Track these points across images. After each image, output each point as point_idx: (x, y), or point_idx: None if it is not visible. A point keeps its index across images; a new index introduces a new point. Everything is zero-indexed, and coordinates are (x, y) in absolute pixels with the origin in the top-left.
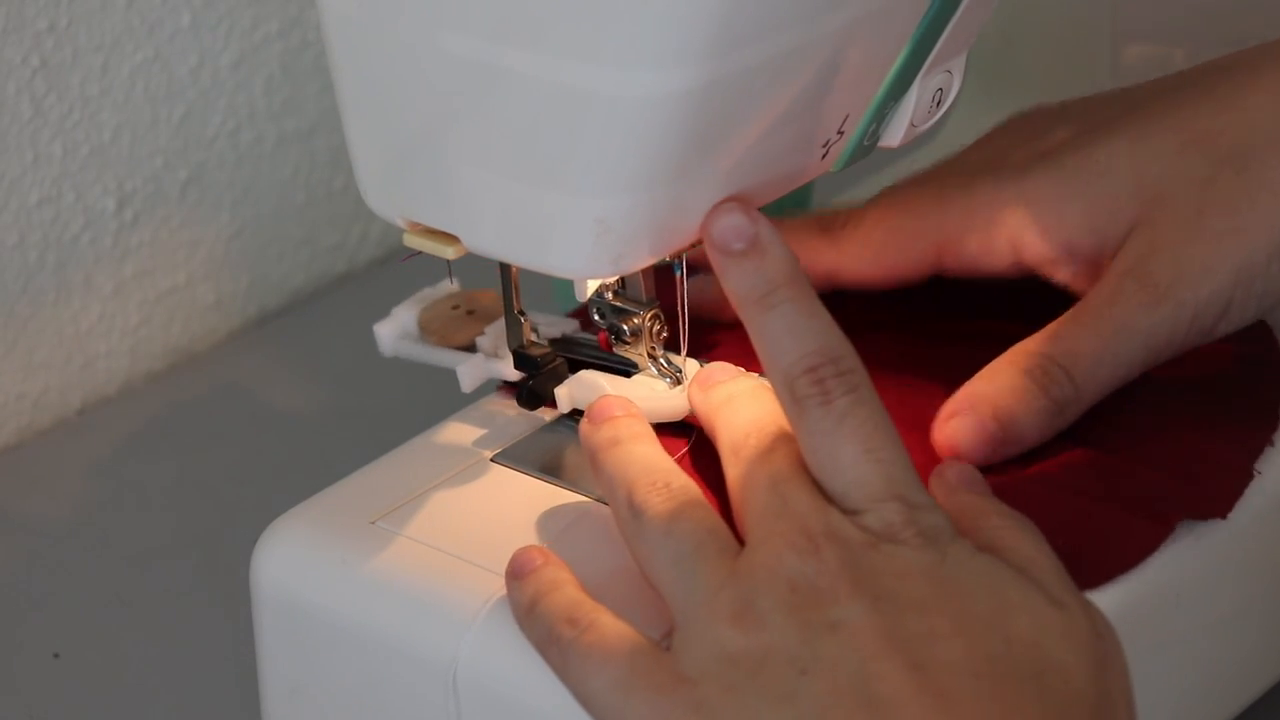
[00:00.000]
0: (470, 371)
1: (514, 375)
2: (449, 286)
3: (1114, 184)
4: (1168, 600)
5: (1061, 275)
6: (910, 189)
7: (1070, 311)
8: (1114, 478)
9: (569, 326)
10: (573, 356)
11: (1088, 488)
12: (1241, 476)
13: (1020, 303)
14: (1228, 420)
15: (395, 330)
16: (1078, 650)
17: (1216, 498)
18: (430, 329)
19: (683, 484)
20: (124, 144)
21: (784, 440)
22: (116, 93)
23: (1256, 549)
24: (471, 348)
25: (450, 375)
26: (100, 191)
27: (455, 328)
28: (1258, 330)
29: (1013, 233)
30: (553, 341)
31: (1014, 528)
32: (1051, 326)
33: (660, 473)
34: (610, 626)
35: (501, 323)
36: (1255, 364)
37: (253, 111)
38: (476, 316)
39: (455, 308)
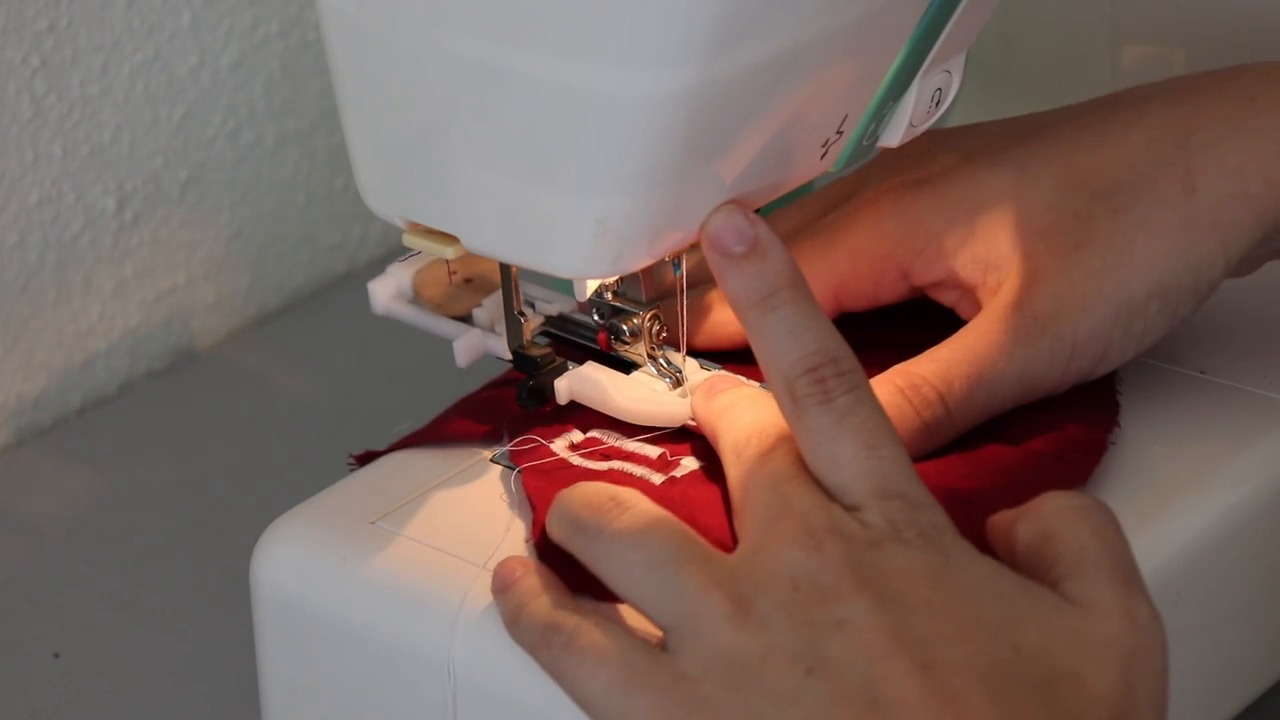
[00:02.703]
0: (466, 346)
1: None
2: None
3: (996, 216)
4: (1168, 600)
5: (947, 300)
6: (800, 242)
7: (951, 337)
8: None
9: (567, 305)
10: (569, 336)
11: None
12: (1098, 449)
13: None
14: (1076, 400)
15: (389, 289)
16: (1095, 656)
17: (1079, 468)
18: (426, 294)
19: (633, 497)
20: (124, 144)
21: (785, 442)
22: (116, 93)
23: (1256, 549)
24: (468, 318)
25: (449, 376)
26: (100, 191)
27: (452, 296)
28: None
29: (901, 262)
30: (549, 319)
31: (1072, 510)
32: (932, 350)
33: (602, 492)
34: (599, 628)
35: (499, 294)
36: None
37: (253, 111)
38: (474, 285)
39: (453, 272)
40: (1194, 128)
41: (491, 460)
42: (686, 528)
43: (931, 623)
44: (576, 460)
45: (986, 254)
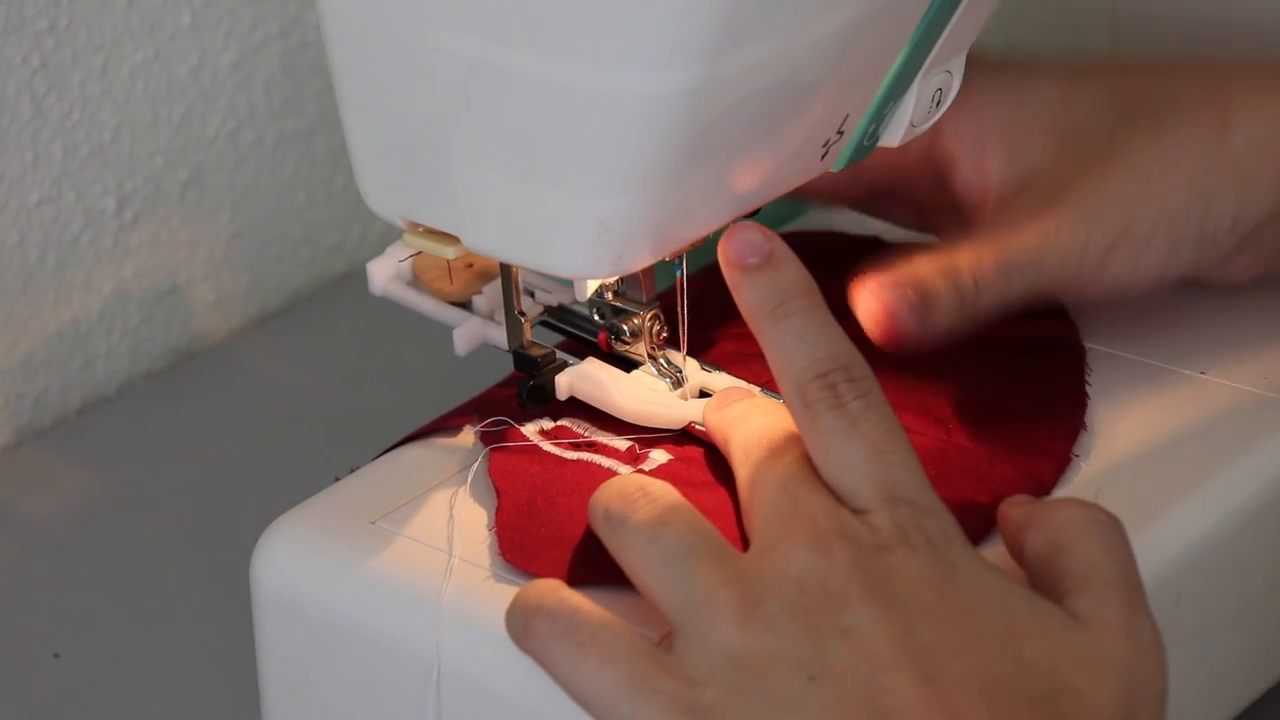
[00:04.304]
0: (467, 334)
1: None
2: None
3: (1039, 115)
4: (1168, 601)
5: (962, 185)
6: None
7: (980, 228)
8: (951, 464)
9: (566, 295)
10: (568, 329)
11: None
12: (1062, 460)
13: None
14: (1045, 407)
15: (389, 269)
16: (1097, 673)
17: (1043, 478)
18: (426, 278)
19: (662, 489)
20: (124, 144)
21: (795, 443)
22: (116, 93)
23: (1256, 548)
24: (468, 305)
25: (449, 376)
26: (100, 191)
27: (452, 280)
28: (1059, 312)
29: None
30: (549, 310)
31: (1085, 523)
32: (962, 243)
33: (634, 483)
34: (603, 626)
35: (499, 282)
36: (1061, 345)
37: (253, 111)
38: (475, 271)
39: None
40: (1234, 80)
41: (475, 431)
42: (705, 522)
43: (936, 632)
44: (547, 446)
45: (1021, 152)
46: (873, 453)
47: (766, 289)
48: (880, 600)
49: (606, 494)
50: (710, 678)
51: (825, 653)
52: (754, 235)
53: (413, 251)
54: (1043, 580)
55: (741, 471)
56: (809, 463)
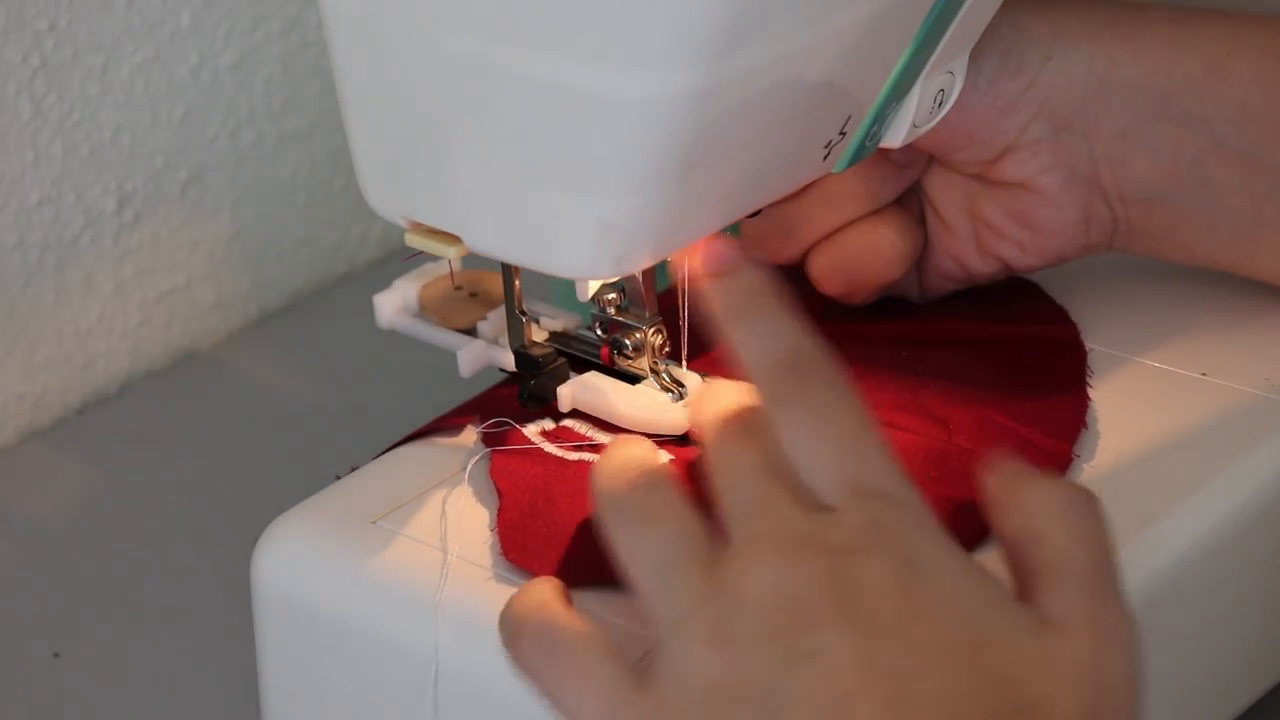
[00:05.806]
0: (470, 356)
1: (514, 364)
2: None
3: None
4: (1168, 600)
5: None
6: None
7: None
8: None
9: (571, 321)
10: (573, 352)
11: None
12: (1063, 460)
13: (995, 307)
14: (1046, 407)
15: (395, 303)
16: (1064, 680)
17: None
18: (431, 308)
19: (662, 481)
20: (124, 144)
21: (757, 425)
22: (116, 93)
23: (1256, 549)
24: (472, 331)
25: (450, 377)
26: (100, 191)
27: (457, 310)
28: (1061, 314)
29: None
30: (554, 335)
31: (1058, 509)
32: None
33: (635, 463)
34: (585, 649)
35: (504, 309)
36: (1063, 347)
37: (253, 111)
38: (479, 300)
39: (458, 288)
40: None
41: (477, 431)
42: (692, 520)
43: (903, 649)
44: (549, 447)
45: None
46: (840, 446)
47: (733, 293)
48: (849, 616)
49: (611, 469)
50: (682, 705)
51: (791, 681)
52: (719, 246)
53: (415, 250)
54: (1018, 568)
55: (708, 455)
56: (768, 450)
